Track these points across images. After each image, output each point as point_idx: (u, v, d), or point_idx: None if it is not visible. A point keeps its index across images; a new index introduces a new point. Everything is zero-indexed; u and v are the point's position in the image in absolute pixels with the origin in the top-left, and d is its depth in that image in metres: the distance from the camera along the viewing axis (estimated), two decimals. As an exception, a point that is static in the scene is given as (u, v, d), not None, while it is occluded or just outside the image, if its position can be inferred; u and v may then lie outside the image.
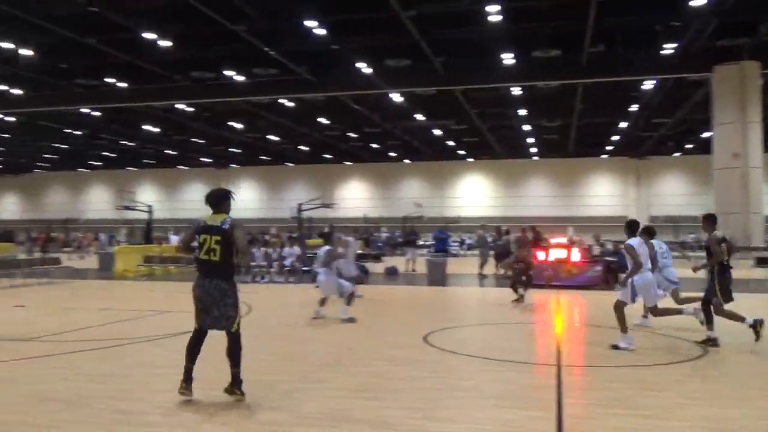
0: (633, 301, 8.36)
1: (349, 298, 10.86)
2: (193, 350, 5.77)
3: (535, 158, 51.25)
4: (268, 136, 39.93)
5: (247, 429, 5.01)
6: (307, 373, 6.90)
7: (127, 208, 37.12)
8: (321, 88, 25.68)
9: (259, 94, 26.86)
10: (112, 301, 14.12)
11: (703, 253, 8.75)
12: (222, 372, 5.87)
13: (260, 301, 13.68)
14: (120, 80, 25.08)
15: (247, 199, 58.19)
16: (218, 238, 5.53)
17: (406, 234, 27.30)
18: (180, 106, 30.43)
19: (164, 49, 20.63)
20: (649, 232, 9.24)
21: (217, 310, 5.61)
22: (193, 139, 42.18)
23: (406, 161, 52.99)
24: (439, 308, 13.25)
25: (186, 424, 5.15)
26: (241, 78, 24.33)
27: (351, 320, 10.45)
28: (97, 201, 59.92)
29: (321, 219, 40.93)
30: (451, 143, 43.40)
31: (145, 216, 37.48)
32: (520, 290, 12.94)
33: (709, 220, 8.74)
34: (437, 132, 38.10)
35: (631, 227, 8.58)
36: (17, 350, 8.22)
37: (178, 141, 42.49)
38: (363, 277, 14.21)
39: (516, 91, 27.00)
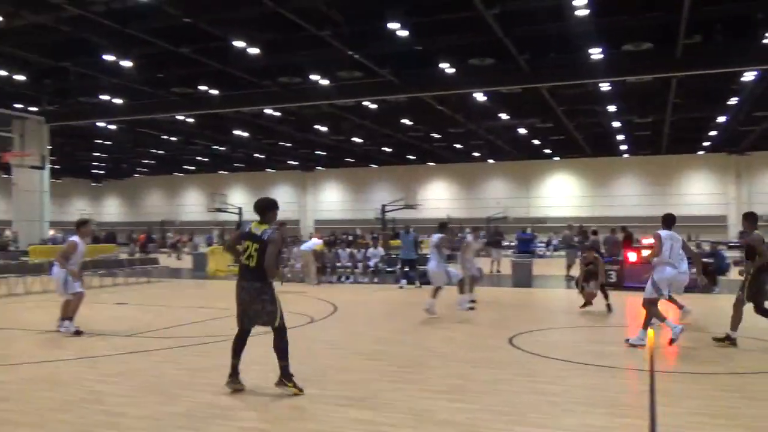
0: (663, 295, 8.49)
1: (461, 285, 11.20)
2: (237, 347, 6.17)
3: (626, 156, 49.40)
4: (352, 138, 40.49)
5: (337, 426, 5.12)
6: (391, 373, 6.97)
7: (219, 210, 38.59)
8: (404, 89, 25.78)
9: (343, 96, 27.30)
10: (207, 300, 14.71)
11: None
12: (316, 369, 6.02)
13: (345, 301, 13.91)
14: (212, 88, 26.10)
15: (332, 200, 59.32)
16: (258, 246, 5.94)
17: (490, 235, 26.97)
18: (268, 110, 31.33)
19: (253, 57, 21.31)
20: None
21: (255, 307, 6.02)
22: (280, 143, 43.34)
23: (491, 161, 52.37)
24: (525, 310, 13.04)
25: (275, 419, 5.32)
26: (325, 82, 24.79)
27: (472, 307, 10.79)
28: (192, 203, 62.61)
29: (404, 220, 41.09)
30: (536, 142, 42.54)
31: (235, 217, 38.83)
32: (587, 290, 12.04)
33: (751, 219, 8.48)
34: (522, 131, 37.44)
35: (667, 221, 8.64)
36: (122, 345, 8.72)
37: (267, 145, 43.77)
38: (479, 278, 14.11)
39: (605, 86, 26.14)
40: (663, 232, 8.40)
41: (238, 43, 19.76)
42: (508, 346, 8.54)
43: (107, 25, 18.52)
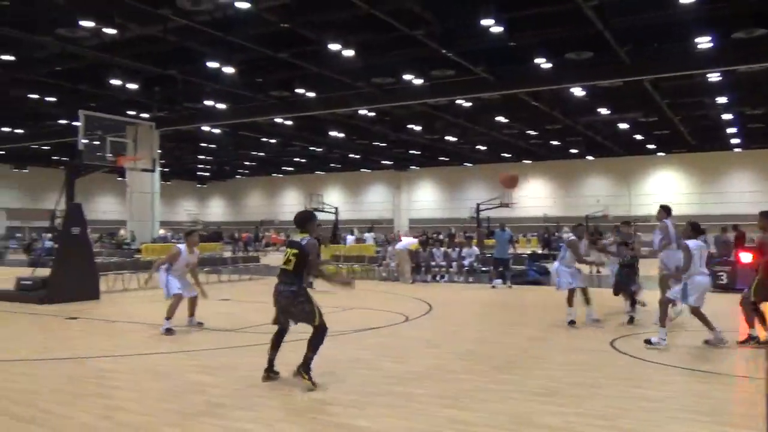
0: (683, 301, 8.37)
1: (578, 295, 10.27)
2: (276, 342, 6.59)
3: (737, 150, 46.39)
4: (445, 137, 40.35)
5: (434, 426, 5.11)
6: (486, 373, 6.88)
7: (316, 210, 39.50)
8: (498, 86, 25.39)
9: (436, 95, 27.23)
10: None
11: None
12: (411, 368, 6.02)
13: (439, 301, 13.87)
14: (308, 90, 26.74)
15: (426, 199, 59.37)
16: (296, 251, 6.37)
17: (589, 234, 26.01)
18: (362, 111, 31.75)
19: (347, 59, 21.64)
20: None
21: (292, 308, 6.39)
22: (374, 143, 43.83)
23: (589, 158, 50.64)
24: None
25: (372, 416, 5.37)
26: (419, 81, 24.81)
27: (598, 321, 10.19)
28: (290, 204, 64.48)
29: (499, 219, 40.48)
30: (638, 137, 40.71)
31: (332, 217, 39.64)
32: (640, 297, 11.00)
33: (766, 217, 8.25)
34: (623, 126, 35.94)
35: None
36: (224, 340, 9.11)
37: (361, 145, 44.38)
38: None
39: (713, 77, 24.66)
40: (692, 243, 8.34)
41: (333, 46, 20.13)
42: (609, 348, 8.24)
43: (210, 33, 19.37)
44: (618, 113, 32.28)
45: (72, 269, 13.93)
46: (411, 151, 48.01)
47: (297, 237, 6.52)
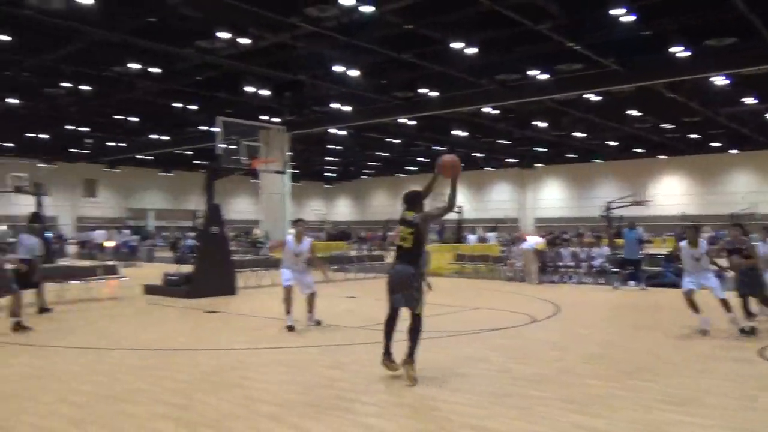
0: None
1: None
2: (388, 327, 6.63)
3: None
4: (573, 133, 39.02)
5: (560, 430, 4.98)
6: (615, 378, 6.59)
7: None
8: (630, 78, 24.16)
9: (563, 90, 26.39)
10: (429, 296, 15.16)
11: None
12: (536, 370, 5.90)
13: (567, 302, 13.45)
14: (431, 90, 26.85)
15: (552, 198, 57.72)
16: (411, 230, 6.49)
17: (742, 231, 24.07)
18: (486, 109, 31.43)
19: (470, 56, 21.51)
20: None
21: (405, 290, 6.44)
22: (498, 141, 43.22)
23: (733, 151, 46.97)
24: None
25: (498, 417, 5.32)
26: (544, 76, 24.18)
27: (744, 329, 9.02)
28: (413, 203, 65.01)
29: (632, 217, 38.54)
30: (791, 127, 37.30)
31: (455, 216, 39.51)
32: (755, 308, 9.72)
33: None
34: (772, 116, 33.09)
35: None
36: (352, 336, 9.36)
37: (485, 143, 43.92)
38: None
39: None
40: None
41: (456, 45, 20.08)
42: (757, 358, 7.62)
43: (336, 38, 19.97)
44: (766, 102, 29.74)
45: (211, 266, 14.90)
46: (536, 149, 46.88)
47: (404, 215, 6.62)
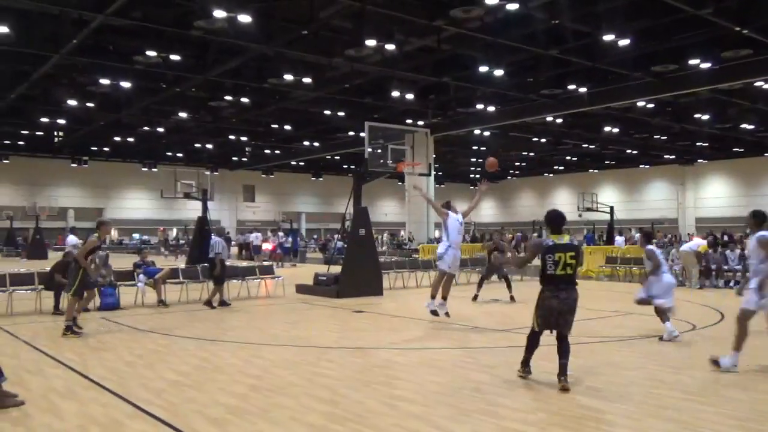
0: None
1: None
2: (533, 344, 6.62)
3: None
4: (740, 125, 35.79)
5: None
6: (797, 397, 5.93)
7: (589, 209, 37.98)
8: (812, 61, 21.76)
9: (729, 80, 24.25)
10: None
11: None
12: (700, 382, 5.47)
13: (733, 308, 12.30)
14: (580, 86, 25.83)
15: (716, 196, 53.29)
16: (572, 254, 6.28)
17: None
18: (640, 103, 29.71)
19: (623, 48, 20.43)
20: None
21: (569, 316, 6.37)
22: (654, 137, 40.70)
23: None
24: None
25: (653, 429, 4.99)
26: (706, 65, 22.39)
27: None
28: (562, 203, 62.90)
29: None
30: None
31: (606, 216, 37.70)
32: None
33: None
34: None
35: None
36: (495, 339, 9.23)
37: (639, 139, 41.53)
38: None
39: None
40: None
41: (607, 37, 19.17)
42: None
43: (481, 38, 19.82)
44: None
45: (359, 267, 15.36)
46: (698, 143, 43.55)
47: (557, 239, 6.35)
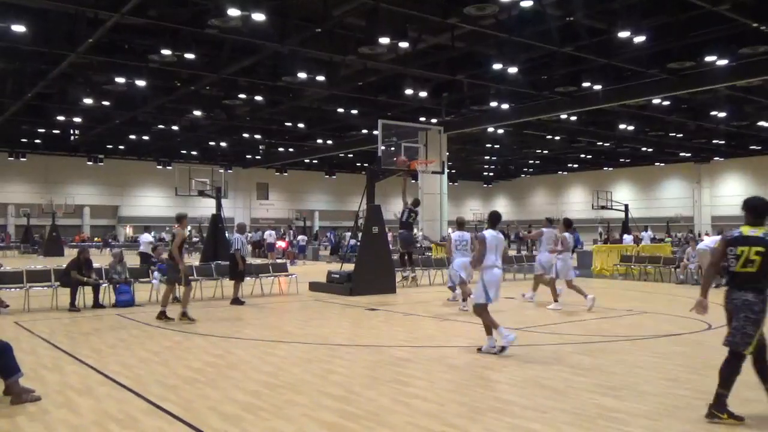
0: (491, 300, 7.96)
1: None
2: (761, 368, 5.34)
3: None
4: (758, 123, 35.39)
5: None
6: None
7: (603, 207, 37.77)
8: (830, 58, 21.46)
9: (747, 76, 23.97)
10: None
11: None
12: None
13: None
14: (595, 83, 25.64)
15: (733, 194, 52.69)
16: (760, 249, 5.07)
17: None
18: (656, 100, 29.46)
19: (638, 45, 20.25)
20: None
21: (734, 321, 5.20)
22: (670, 134, 40.36)
23: None
24: None
25: (670, 429, 4.95)
26: (723, 62, 22.14)
27: None
28: (576, 201, 62.59)
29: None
30: None
31: (620, 215, 37.46)
32: None
33: None
34: None
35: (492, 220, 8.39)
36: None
37: (654, 137, 41.21)
38: None
39: None
40: (488, 233, 8.04)
41: (623, 34, 19.01)
42: None
43: (495, 35, 19.73)
44: None
45: (372, 265, 15.36)
46: (714, 141, 43.13)
47: (750, 231, 5.16)
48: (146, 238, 18.82)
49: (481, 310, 7.97)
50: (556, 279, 12.53)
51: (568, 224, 12.88)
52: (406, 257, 17.36)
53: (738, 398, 5.25)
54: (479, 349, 7.97)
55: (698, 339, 9.03)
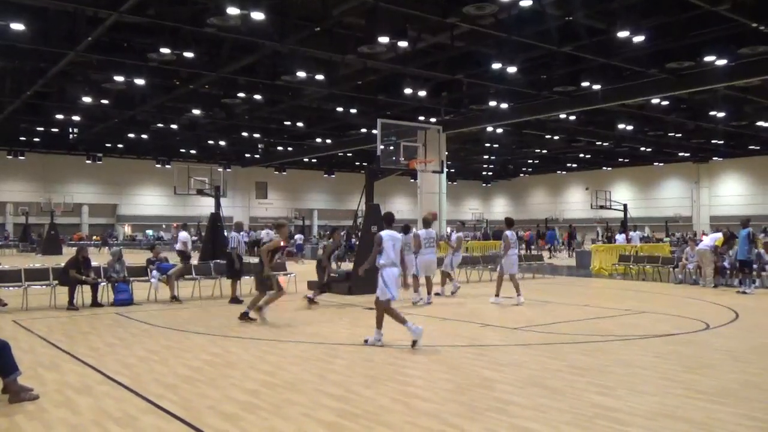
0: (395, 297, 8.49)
1: None
2: None
3: None
4: (756, 123, 35.44)
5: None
6: (814, 398, 5.86)
7: (602, 207, 37.80)
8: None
9: (745, 76, 24.01)
10: (590, 298, 14.54)
11: None
12: (716, 382, 5.44)
13: (748, 308, 12.21)
14: (594, 83, 25.67)
15: (732, 194, 52.83)
16: None
17: None
18: (655, 100, 29.50)
19: (638, 45, 20.28)
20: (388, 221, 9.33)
21: None
22: (669, 134, 40.41)
23: None
24: None
25: (667, 429, 4.95)
26: (722, 62, 22.18)
27: None
28: (575, 201, 62.63)
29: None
30: None
31: (619, 215, 37.50)
32: None
33: None
34: None
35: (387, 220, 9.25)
36: (508, 337, 9.21)
37: (653, 137, 41.25)
38: None
39: None
40: (384, 233, 8.61)
41: (622, 33, 19.03)
42: None
43: (494, 35, 19.74)
44: None
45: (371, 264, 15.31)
46: (713, 141, 43.18)
47: None
48: (184, 236, 18.77)
49: (386, 305, 8.44)
50: (502, 274, 13.33)
51: (509, 223, 13.75)
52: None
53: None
54: (366, 341, 8.48)
55: (696, 339, 9.04)
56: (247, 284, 15.14)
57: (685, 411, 5.40)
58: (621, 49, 21.20)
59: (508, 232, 13.42)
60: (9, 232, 48.51)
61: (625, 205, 31.76)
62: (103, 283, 13.10)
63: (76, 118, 34.34)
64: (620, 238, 27.19)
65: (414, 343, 8.17)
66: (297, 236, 36.99)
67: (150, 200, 55.38)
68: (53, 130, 39.87)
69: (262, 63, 23.98)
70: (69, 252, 25.97)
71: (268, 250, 10.73)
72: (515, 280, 13.21)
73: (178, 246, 18.65)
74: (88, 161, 50.23)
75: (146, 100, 30.18)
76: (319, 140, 43.71)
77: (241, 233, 14.69)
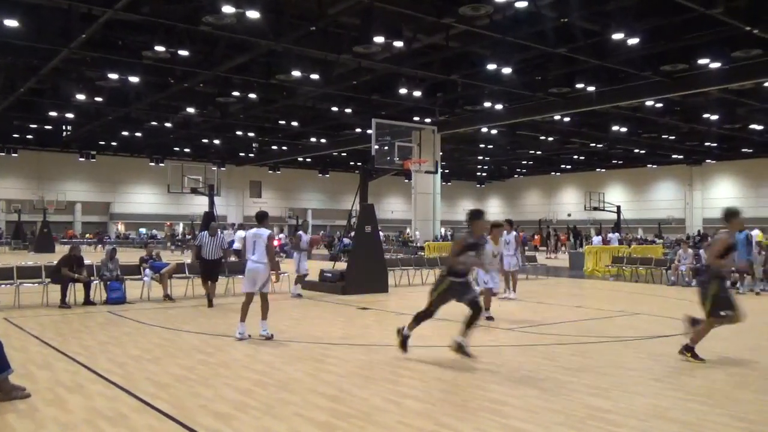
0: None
1: None
2: None
3: None
4: (749, 126, 35.61)
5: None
6: (804, 400, 5.89)
7: (596, 209, 37.94)
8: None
9: (739, 79, 24.14)
10: (583, 299, 14.59)
11: None
12: (706, 384, 5.45)
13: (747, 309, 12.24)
14: (589, 84, 25.75)
15: (725, 196, 53.01)
16: None
17: None
18: (649, 102, 29.61)
19: (632, 47, 20.36)
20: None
21: None
22: (663, 136, 40.56)
23: None
24: None
25: (657, 429, 4.97)
26: (716, 65, 22.28)
27: None
28: (568, 202, 62.77)
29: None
30: None
31: (613, 216, 37.63)
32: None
33: None
34: None
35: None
36: (501, 338, 9.22)
37: (647, 139, 41.40)
38: None
39: None
40: (248, 232, 9.21)
41: (617, 36, 19.09)
42: None
43: (490, 36, 19.76)
44: None
45: (364, 264, 15.35)
46: (706, 144, 43.38)
47: None
48: (241, 234, 18.58)
49: (247, 299, 9.04)
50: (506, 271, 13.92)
51: (511, 224, 14.56)
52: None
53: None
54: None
55: (686, 341, 9.05)
56: (238, 283, 15.11)
57: (678, 412, 5.42)
58: (615, 52, 21.27)
59: (513, 233, 14.27)
60: (2, 229, 48.26)
61: (618, 207, 31.88)
62: (95, 282, 13.05)
63: (69, 115, 34.19)
64: (596, 239, 27.42)
65: (241, 339, 8.77)
66: (281, 235, 36.88)
67: (143, 198, 55.20)
68: (47, 127, 39.70)
69: (256, 62, 23.94)
70: (62, 250, 25.87)
71: (456, 252, 8.03)
72: (515, 276, 14.20)
73: (236, 245, 17.72)
74: (81, 159, 50.03)
75: (140, 98, 30.07)
76: (313, 140, 43.66)
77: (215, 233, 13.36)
